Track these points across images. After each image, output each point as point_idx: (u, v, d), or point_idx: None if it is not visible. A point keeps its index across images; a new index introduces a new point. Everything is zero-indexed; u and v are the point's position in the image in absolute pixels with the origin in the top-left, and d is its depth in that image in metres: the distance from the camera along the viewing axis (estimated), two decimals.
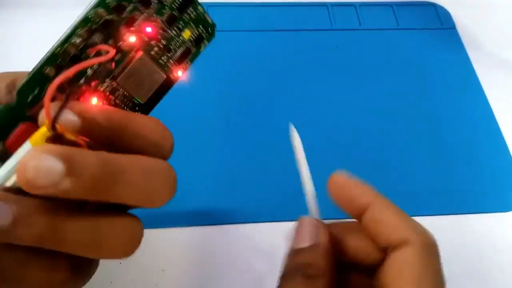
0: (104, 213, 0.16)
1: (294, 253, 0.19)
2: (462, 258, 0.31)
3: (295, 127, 0.37)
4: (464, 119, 0.38)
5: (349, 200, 0.19)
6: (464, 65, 0.42)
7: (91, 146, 0.15)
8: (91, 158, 0.14)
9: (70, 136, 0.15)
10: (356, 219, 0.19)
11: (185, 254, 0.30)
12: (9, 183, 0.15)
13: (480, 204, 0.33)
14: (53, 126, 0.15)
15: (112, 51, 0.17)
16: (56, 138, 0.15)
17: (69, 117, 0.15)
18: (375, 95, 0.39)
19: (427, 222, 0.32)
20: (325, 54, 0.42)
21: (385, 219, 0.18)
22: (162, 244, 0.30)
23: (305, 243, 0.19)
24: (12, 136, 0.16)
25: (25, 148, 0.15)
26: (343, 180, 0.20)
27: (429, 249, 0.18)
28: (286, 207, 0.31)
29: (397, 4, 0.46)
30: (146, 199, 0.17)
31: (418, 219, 0.32)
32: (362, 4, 0.46)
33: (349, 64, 0.41)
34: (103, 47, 0.17)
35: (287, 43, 0.42)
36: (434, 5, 0.47)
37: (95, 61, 0.17)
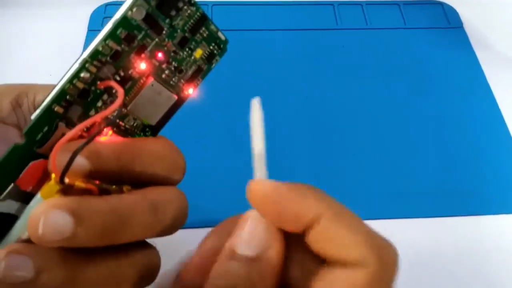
0: (121, 250, 0.16)
1: (233, 259, 0.15)
2: (468, 259, 0.31)
3: (301, 126, 0.36)
4: (471, 119, 0.38)
5: (290, 216, 0.15)
6: (471, 65, 0.41)
7: (102, 189, 0.16)
8: (99, 207, 0.14)
9: (80, 185, 0.15)
10: (294, 232, 0.15)
11: None
12: (25, 236, 0.15)
13: (487, 206, 0.33)
14: (61, 180, 0.15)
15: (121, 95, 0.16)
16: (66, 188, 0.15)
17: (78, 162, 0.15)
18: (381, 94, 0.39)
19: (433, 223, 0.32)
20: (331, 54, 0.41)
21: (337, 235, 0.14)
22: (165, 245, 0.30)
23: (251, 250, 0.15)
24: (23, 175, 0.16)
25: (37, 200, 0.15)
26: (279, 191, 0.15)
27: (386, 274, 0.14)
28: None
29: (404, 3, 0.46)
30: (157, 233, 0.17)
31: (424, 220, 0.32)
32: (369, 3, 0.46)
33: (355, 63, 0.41)
34: (113, 84, 0.16)
35: (293, 42, 0.42)
36: (441, 4, 0.46)
37: (104, 114, 0.16)
